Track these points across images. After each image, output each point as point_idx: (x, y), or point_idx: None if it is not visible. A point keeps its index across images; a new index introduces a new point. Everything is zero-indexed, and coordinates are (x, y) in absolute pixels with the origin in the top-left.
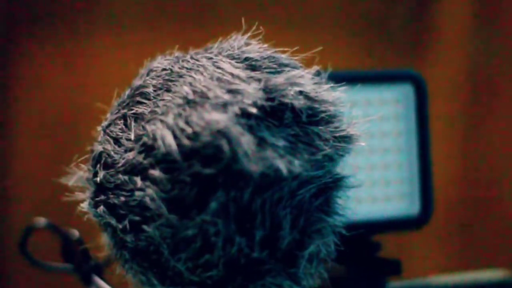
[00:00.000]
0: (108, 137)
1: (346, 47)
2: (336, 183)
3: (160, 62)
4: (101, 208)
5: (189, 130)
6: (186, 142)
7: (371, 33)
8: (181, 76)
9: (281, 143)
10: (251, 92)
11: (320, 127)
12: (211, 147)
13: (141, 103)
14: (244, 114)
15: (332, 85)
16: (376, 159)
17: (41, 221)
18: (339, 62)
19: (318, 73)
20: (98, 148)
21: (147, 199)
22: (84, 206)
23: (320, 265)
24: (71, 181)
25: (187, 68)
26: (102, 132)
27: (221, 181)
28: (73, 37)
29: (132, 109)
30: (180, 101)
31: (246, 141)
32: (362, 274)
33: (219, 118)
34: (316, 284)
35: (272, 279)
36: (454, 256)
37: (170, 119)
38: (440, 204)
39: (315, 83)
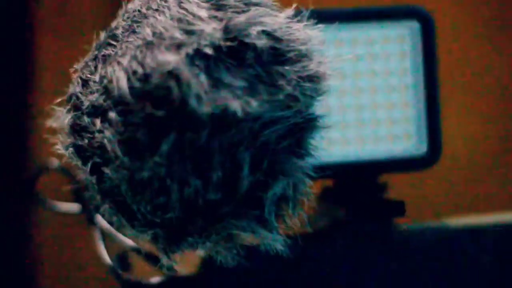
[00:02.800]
0: (79, 79)
1: None
2: (309, 123)
3: (134, 3)
4: (70, 150)
5: (140, 71)
6: (137, 84)
7: None
8: (146, 17)
9: (239, 83)
10: (209, 33)
11: (286, 67)
12: (161, 88)
13: (110, 45)
14: (201, 54)
15: (306, 23)
16: (381, 98)
17: (54, 162)
18: None
19: (299, 12)
20: (70, 90)
21: (105, 141)
22: (59, 147)
23: (296, 207)
24: (52, 123)
25: (153, 9)
26: (76, 73)
27: (174, 123)
28: None
29: (102, 51)
30: (140, 42)
31: (197, 82)
32: (364, 216)
33: (171, 59)
34: (296, 225)
35: (235, 221)
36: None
37: (125, 60)
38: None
39: (287, 22)
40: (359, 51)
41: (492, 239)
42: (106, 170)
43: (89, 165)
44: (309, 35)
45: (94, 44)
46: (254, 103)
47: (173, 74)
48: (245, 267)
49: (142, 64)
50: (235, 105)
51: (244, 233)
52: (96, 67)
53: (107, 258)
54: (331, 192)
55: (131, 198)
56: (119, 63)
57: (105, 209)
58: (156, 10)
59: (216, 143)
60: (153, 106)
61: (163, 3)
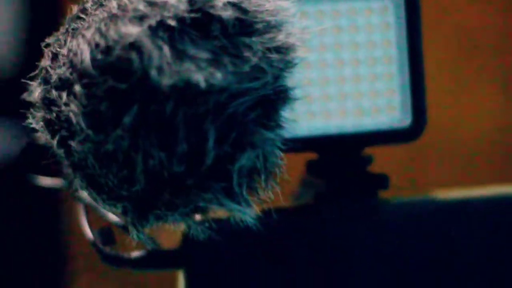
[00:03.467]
0: (49, 53)
1: None
2: (279, 95)
3: None
4: (41, 123)
5: (103, 44)
6: (99, 56)
7: None
8: None
9: (204, 55)
10: (174, 4)
11: (253, 39)
12: (123, 61)
13: (80, 18)
14: (164, 26)
15: None
16: (364, 70)
17: (40, 137)
18: None
19: None
20: (42, 63)
21: (71, 114)
22: (31, 122)
23: (269, 179)
24: (26, 97)
25: None
26: (48, 48)
27: (137, 96)
28: None
29: (72, 25)
30: (105, 15)
31: (159, 54)
32: (348, 189)
33: (132, 31)
34: (268, 198)
35: (201, 193)
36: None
37: (89, 33)
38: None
39: None
40: (342, 23)
41: (481, 211)
42: (72, 143)
43: (57, 138)
44: (279, 6)
45: (66, 18)
46: (218, 75)
47: (135, 46)
48: (227, 241)
49: (105, 37)
50: (199, 77)
51: (212, 206)
52: (65, 41)
53: (88, 233)
54: (315, 165)
55: (98, 171)
56: (83, 36)
57: (77, 183)
58: None
59: (181, 115)
60: (116, 79)
61: None
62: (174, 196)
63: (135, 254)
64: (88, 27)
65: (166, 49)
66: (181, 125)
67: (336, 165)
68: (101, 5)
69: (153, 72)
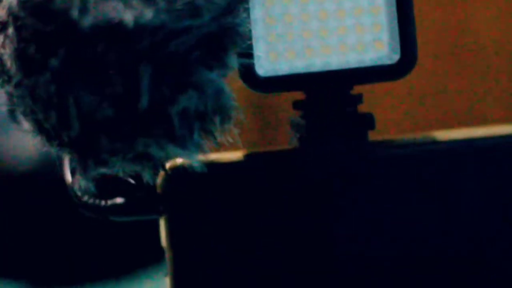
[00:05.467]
0: None
1: None
2: (226, 32)
3: None
4: None
5: None
6: None
7: None
8: None
9: None
10: None
11: None
12: (47, 2)
13: None
14: None
15: None
16: (348, 3)
17: None
18: None
19: None
20: None
21: (6, 57)
22: None
23: (224, 121)
24: None
25: None
26: None
27: (63, 38)
28: None
29: None
30: None
31: None
32: (335, 129)
33: None
34: (227, 141)
35: (141, 138)
36: None
37: None
38: None
39: None
40: None
41: (484, 152)
42: (9, 88)
43: None
44: None
45: None
46: (148, 14)
47: None
48: (209, 187)
49: None
50: (125, 16)
51: (153, 151)
52: None
53: (68, 178)
54: (301, 105)
55: (39, 116)
56: None
57: (31, 129)
58: None
59: (112, 56)
60: (41, 21)
61: None
62: (112, 141)
63: (113, 202)
64: None
65: None
66: (112, 67)
67: (323, 104)
68: None
69: (74, 13)
